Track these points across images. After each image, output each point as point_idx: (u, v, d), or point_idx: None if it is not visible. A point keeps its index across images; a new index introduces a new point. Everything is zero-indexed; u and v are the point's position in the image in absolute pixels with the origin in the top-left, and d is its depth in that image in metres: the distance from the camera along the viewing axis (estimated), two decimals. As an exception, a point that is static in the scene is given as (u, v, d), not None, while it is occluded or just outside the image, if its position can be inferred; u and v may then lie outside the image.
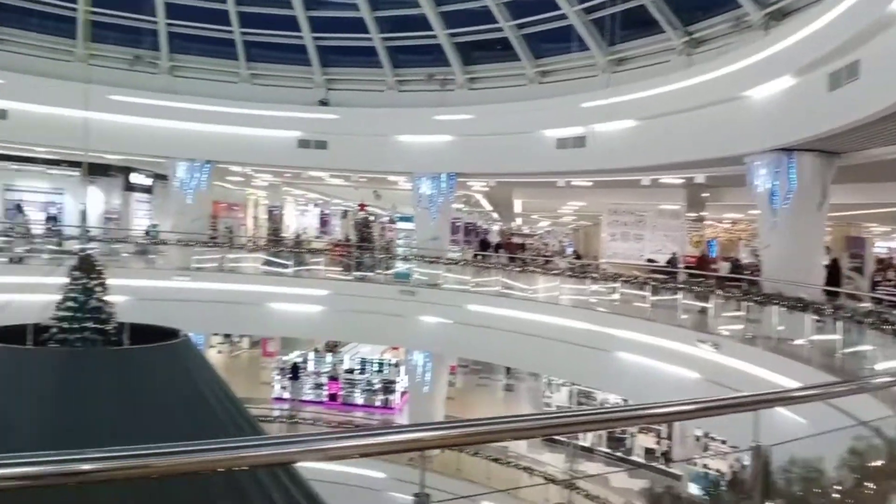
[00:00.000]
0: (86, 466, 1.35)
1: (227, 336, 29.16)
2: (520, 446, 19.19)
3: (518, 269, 17.82)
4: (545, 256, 26.25)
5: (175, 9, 19.23)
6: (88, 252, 7.96)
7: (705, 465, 17.17)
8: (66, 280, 7.44)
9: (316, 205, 41.39)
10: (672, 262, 18.26)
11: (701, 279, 15.54)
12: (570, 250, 36.91)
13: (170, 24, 19.57)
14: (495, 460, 16.95)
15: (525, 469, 16.93)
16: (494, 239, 34.75)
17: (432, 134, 18.79)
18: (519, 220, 42.15)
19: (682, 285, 15.11)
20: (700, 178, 16.26)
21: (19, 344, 6.61)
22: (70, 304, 7.28)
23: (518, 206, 28.56)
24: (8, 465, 1.24)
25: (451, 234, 22.56)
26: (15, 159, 23.74)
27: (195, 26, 19.78)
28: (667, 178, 17.30)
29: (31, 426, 5.93)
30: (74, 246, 20.24)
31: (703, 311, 13.81)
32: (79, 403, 6.18)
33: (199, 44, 20.02)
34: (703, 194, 19.45)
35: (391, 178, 23.55)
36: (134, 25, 19.48)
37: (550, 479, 16.13)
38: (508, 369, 27.57)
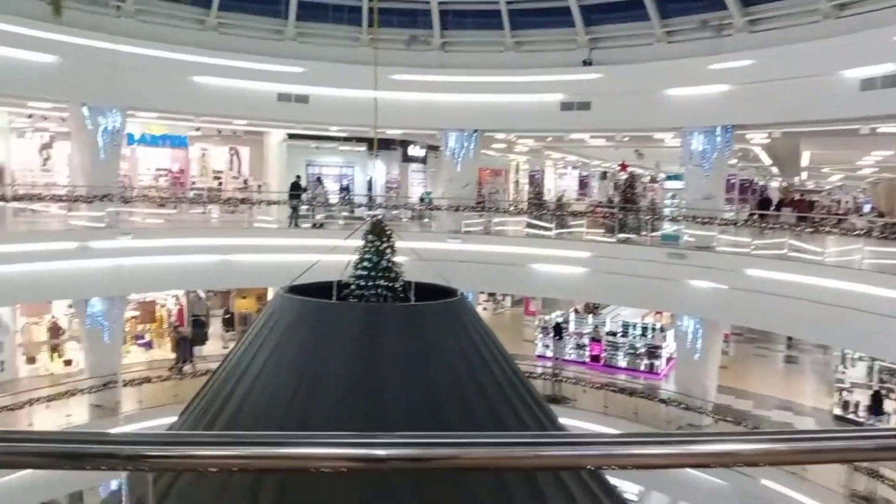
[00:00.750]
0: (381, 452, 1.23)
1: (491, 294, 30.58)
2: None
3: (810, 229, 15.84)
4: (838, 215, 23.04)
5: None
6: (379, 217, 8.83)
7: None
8: (361, 242, 8.33)
9: (574, 167, 41.15)
10: None
11: None
12: (867, 207, 32.11)
13: (441, 4, 20.62)
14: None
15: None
16: (774, 196, 31.44)
17: (706, 84, 17.36)
18: (804, 175, 37.57)
19: None
20: None
21: (324, 298, 7.55)
22: (365, 263, 8.13)
23: (805, 158, 25.38)
24: (302, 445, 1.21)
25: (725, 192, 20.80)
26: (315, 138, 27.27)
27: (464, 1, 20.54)
28: None
29: (337, 370, 6.78)
30: (364, 212, 22.76)
31: None
32: (375, 352, 6.92)
33: (468, 18, 20.80)
34: None
35: (657, 135, 22.40)
36: (410, 8, 20.85)
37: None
38: (790, 339, 24.98)
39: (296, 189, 21.36)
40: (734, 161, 26.72)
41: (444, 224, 21.17)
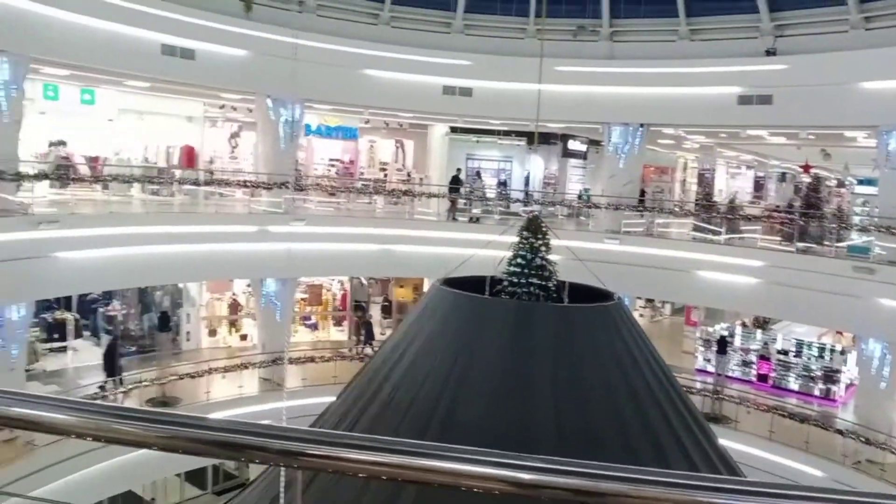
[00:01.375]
0: (542, 478, 1.10)
1: (649, 300, 29.29)
2: None
3: None
4: None
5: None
6: (535, 214, 8.70)
7: None
8: (516, 239, 8.24)
9: (749, 167, 38.27)
10: None
11: None
12: None
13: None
14: None
15: None
16: None
17: (909, 77, 15.38)
18: None
19: None
20: None
21: (479, 293, 7.56)
22: (519, 260, 8.04)
23: None
24: (453, 459, 1.12)
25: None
26: (475, 132, 27.56)
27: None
28: None
29: (488, 365, 6.77)
30: (521, 208, 22.68)
31: None
32: (526, 350, 6.82)
33: (640, 5, 19.93)
34: None
35: (848, 133, 20.22)
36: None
37: None
38: None
39: (455, 183, 21.72)
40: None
41: (601, 223, 20.54)
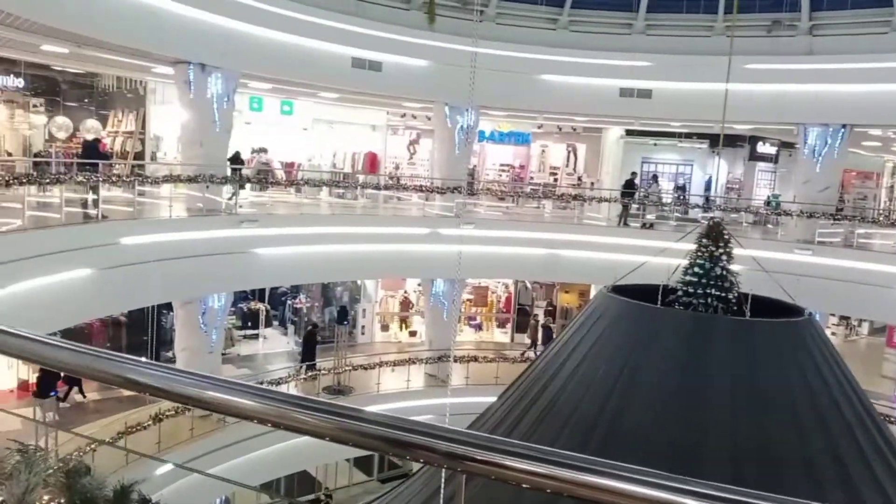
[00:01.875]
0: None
1: (843, 317, 26.46)
2: None
3: None
4: None
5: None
6: (718, 220, 8.17)
7: None
8: (694, 246, 7.79)
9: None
10: None
11: None
12: None
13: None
14: None
15: None
16: None
17: None
18: None
19: None
20: None
21: (650, 302, 7.25)
22: (696, 269, 7.60)
23: None
24: (615, 477, 1.07)
25: None
26: (653, 134, 26.50)
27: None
28: None
29: (657, 377, 6.48)
30: (699, 214, 21.46)
31: None
32: (701, 365, 6.44)
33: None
34: None
35: None
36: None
37: None
38: None
39: (629, 187, 21.01)
40: None
41: (792, 232, 18.85)
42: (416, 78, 18.41)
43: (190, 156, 15.54)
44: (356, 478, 21.25)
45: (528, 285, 24.36)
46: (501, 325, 24.56)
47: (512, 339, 23.79)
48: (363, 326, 21.82)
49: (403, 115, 23.62)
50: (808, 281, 14.89)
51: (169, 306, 16.73)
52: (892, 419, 16.29)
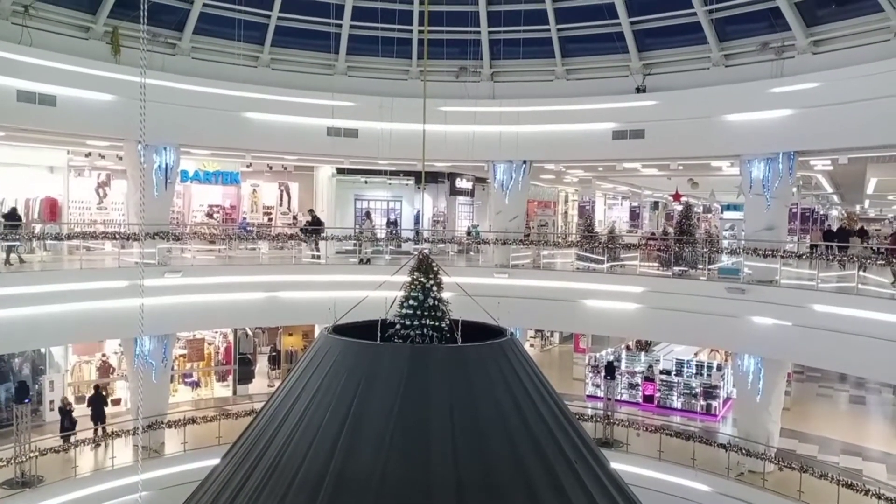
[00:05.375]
0: None
1: (538, 330, 29.87)
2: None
3: (881, 262, 14.93)
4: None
5: (495, 17, 20.09)
6: (425, 253, 8.49)
7: None
8: (407, 279, 7.98)
9: (625, 198, 40.37)
10: None
11: None
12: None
13: (491, 33, 20.48)
14: (848, 486, 14.46)
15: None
16: (835, 226, 30.09)
17: (767, 109, 16.65)
18: (866, 203, 36.06)
19: None
20: None
21: (369, 338, 7.20)
22: (411, 302, 7.77)
23: (871, 185, 24.22)
24: None
25: (788, 222, 19.83)
26: (363, 172, 27.36)
27: (515, 30, 20.29)
28: None
29: (383, 414, 6.37)
30: (412, 247, 22.52)
31: None
32: (423, 395, 6.50)
33: (518, 47, 20.56)
34: None
35: (714, 163, 21.68)
36: (460, 38, 20.72)
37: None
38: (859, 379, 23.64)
39: (316, 224, 21.24)
40: (794, 189, 25.76)
41: (491, 258, 20.75)
42: (99, 113, 16.53)
43: None
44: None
45: (249, 332, 23.19)
46: (222, 378, 22.96)
47: (234, 393, 22.35)
48: (52, 402, 18.64)
49: (88, 155, 21.05)
50: (508, 301, 16.39)
51: None
52: (585, 416, 18.66)
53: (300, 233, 21.05)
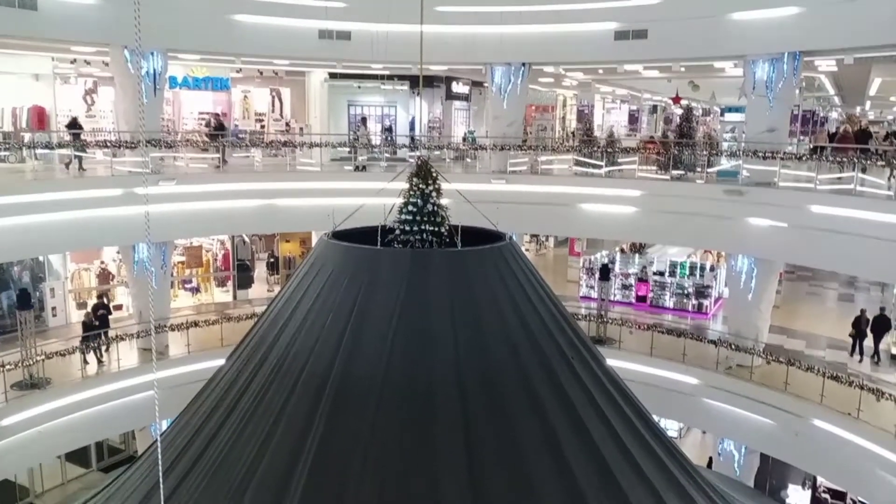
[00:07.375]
0: None
1: (534, 235, 30.07)
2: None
3: (881, 163, 14.86)
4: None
5: None
6: (424, 159, 8.37)
7: None
8: (406, 186, 7.92)
9: (624, 101, 39.63)
10: None
11: None
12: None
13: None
14: (834, 377, 15.00)
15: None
16: (833, 127, 29.76)
17: (775, 7, 15.99)
18: (867, 105, 35.52)
19: None
20: None
21: (368, 244, 7.23)
22: (410, 207, 7.74)
23: (875, 86, 23.77)
24: None
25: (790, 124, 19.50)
26: (356, 77, 26.61)
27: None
28: None
29: (384, 318, 6.49)
30: (407, 154, 22.27)
31: None
32: (423, 298, 6.60)
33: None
34: None
35: (717, 64, 21.11)
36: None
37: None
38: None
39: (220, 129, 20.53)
40: (797, 91, 25.26)
41: (488, 164, 20.57)
42: (83, 18, 15.83)
43: None
44: (71, 473, 18.86)
45: (246, 239, 23.29)
46: (221, 283, 23.25)
47: (234, 298, 22.70)
48: (54, 308, 18.92)
49: (73, 62, 20.39)
50: (505, 207, 16.35)
51: None
52: (579, 316, 19.06)
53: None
